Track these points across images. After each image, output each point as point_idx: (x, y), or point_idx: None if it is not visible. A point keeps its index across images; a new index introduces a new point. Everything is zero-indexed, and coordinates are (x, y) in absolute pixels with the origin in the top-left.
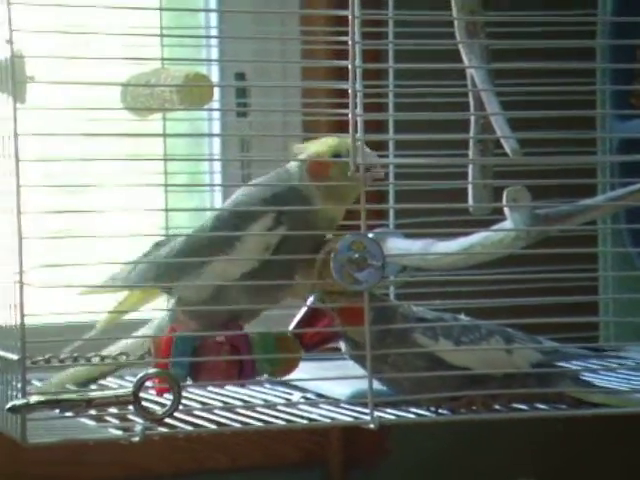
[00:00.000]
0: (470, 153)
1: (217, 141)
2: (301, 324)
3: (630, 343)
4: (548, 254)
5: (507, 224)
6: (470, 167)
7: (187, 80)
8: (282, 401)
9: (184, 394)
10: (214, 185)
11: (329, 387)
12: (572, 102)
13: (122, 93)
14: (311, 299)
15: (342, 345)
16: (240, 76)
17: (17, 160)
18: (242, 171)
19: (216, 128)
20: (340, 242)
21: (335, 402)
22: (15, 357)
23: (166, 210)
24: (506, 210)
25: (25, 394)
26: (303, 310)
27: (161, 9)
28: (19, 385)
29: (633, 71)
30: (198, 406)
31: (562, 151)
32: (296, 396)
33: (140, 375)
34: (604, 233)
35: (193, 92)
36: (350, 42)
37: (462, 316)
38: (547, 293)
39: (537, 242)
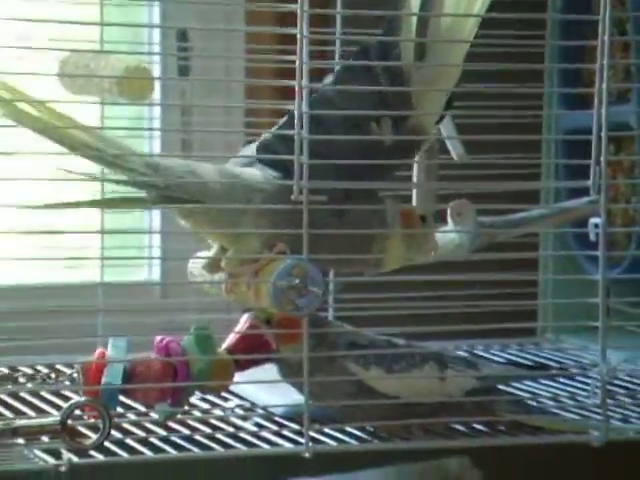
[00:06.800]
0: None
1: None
2: (239, 342)
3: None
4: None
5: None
6: (415, 169)
7: (127, 72)
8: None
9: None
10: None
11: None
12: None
13: (60, 69)
14: (248, 315)
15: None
16: (182, 34)
17: None
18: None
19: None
20: (280, 267)
21: (269, 415)
22: None
23: None
24: (450, 222)
25: None
26: (240, 327)
27: None
28: None
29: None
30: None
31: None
32: (231, 405)
33: (68, 404)
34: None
35: (133, 85)
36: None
37: (398, 340)
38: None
39: None
